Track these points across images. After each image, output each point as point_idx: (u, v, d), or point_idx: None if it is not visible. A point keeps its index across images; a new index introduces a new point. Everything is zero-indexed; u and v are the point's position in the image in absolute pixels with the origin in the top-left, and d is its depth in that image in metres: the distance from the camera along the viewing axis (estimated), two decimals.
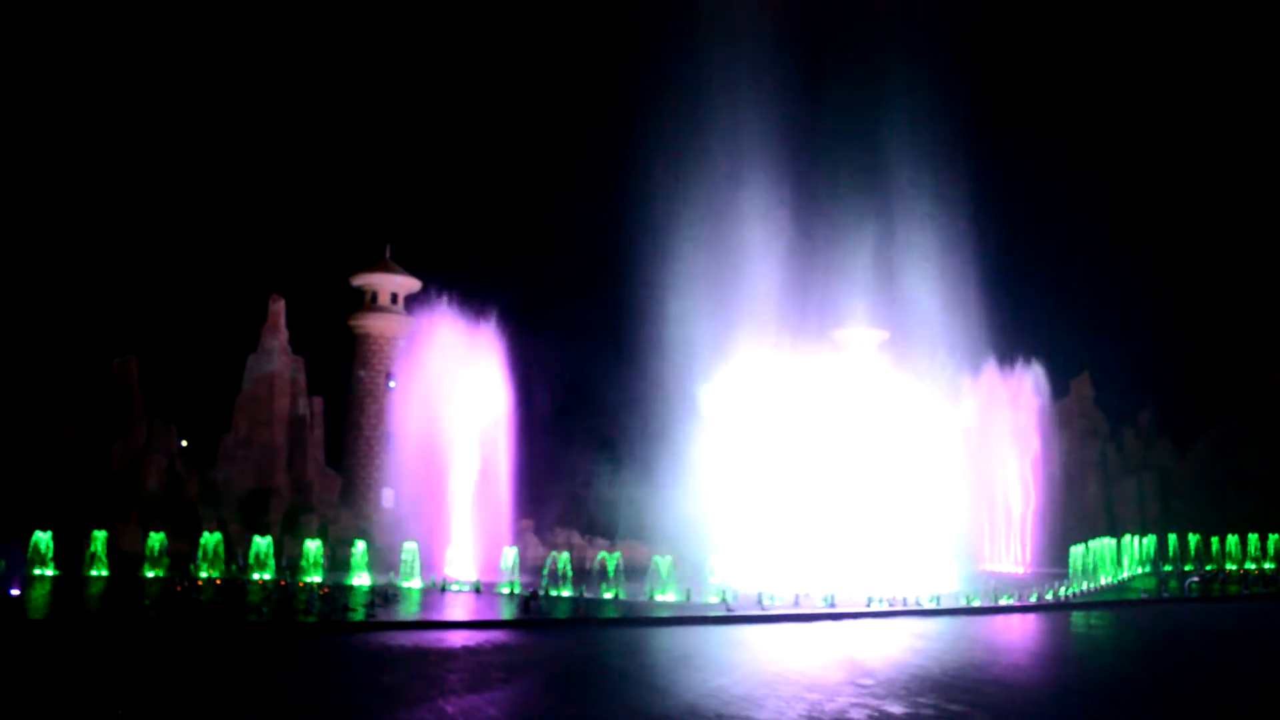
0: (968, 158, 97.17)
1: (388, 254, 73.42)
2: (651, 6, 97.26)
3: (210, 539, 50.70)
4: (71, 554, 50.06)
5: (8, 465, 56.67)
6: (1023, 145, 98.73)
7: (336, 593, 43.35)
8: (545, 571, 48.69)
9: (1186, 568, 69.56)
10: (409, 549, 50.89)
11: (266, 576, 49.76)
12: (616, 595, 45.95)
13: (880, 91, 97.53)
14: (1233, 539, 71.39)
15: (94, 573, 48.72)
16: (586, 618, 39.40)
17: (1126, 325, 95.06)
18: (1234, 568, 70.14)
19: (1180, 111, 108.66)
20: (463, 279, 74.43)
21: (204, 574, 49.44)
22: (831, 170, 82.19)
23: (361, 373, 72.62)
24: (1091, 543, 62.35)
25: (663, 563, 47.41)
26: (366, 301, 72.76)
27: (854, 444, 57.47)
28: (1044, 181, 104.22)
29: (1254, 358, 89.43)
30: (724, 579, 52.95)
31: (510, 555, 51.11)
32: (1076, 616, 46.42)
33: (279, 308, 68.03)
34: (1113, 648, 38.23)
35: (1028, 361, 73.92)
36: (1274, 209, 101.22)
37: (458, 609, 40.90)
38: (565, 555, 49.77)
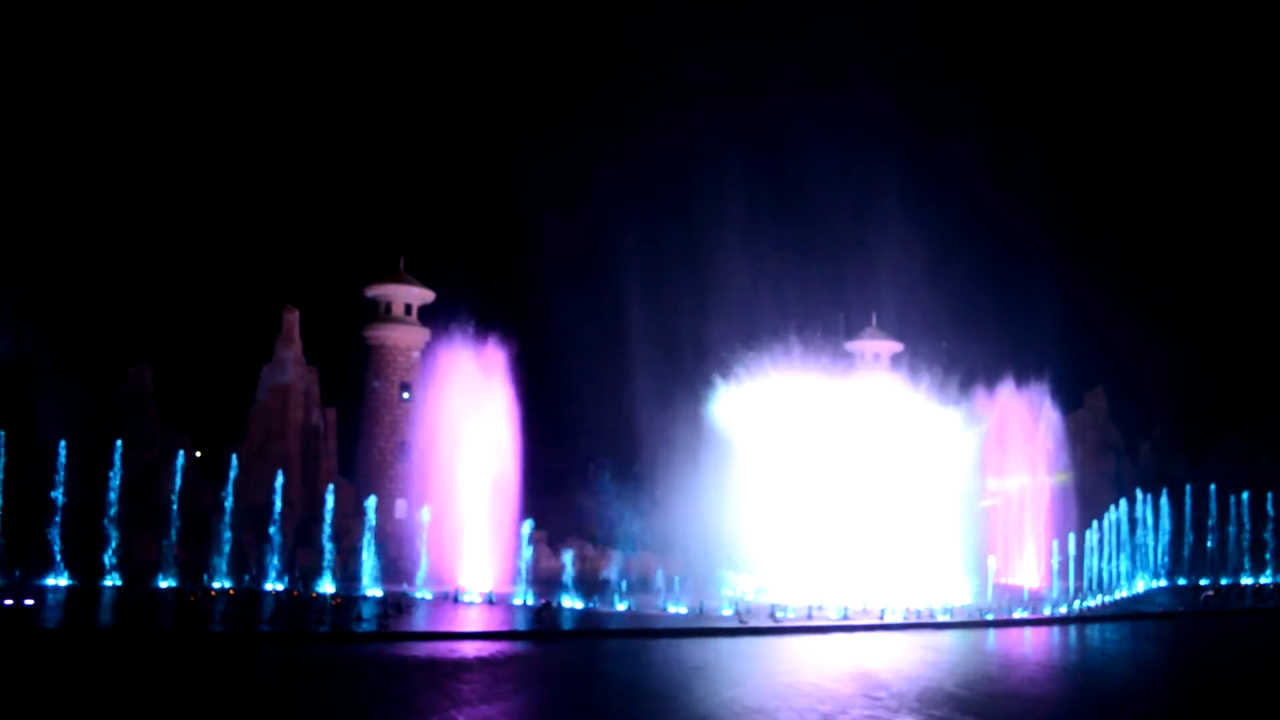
0: (982, 171, 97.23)
1: (402, 265, 73.47)
2: (667, 20, 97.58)
3: (223, 549, 50.80)
4: (85, 564, 50.18)
5: (22, 475, 56.85)
6: (1037, 159, 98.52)
7: (349, 603, 43.39)
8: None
9: (1202, 581, 69.19)
10: (422, 560, 50.92)
11: (279, 587, 49.83)
12: (629, 607, 45.89)
13: (895, 102, 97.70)
14: (1247, 553, 71.03)
15: (107, 582, 48.84)
16: (599, 629, 39.36)
17: (1141, 338, 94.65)
18: (1249, 581, 69.76)
19: (1193, 125, 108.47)
20: (476, 290, 74.66)
21: (217, 584, 49.52)
22: (846, 182, 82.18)
23: (375, 384, 72.58)
24: (1106, 557, 62.12)
25: (675, 574, 47.37)
26: (380, 312, 72.78)
27: (867, 457, 57.28)
28: (1057, 194, 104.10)
29: (1269, 370, 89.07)
30: (737, 590, 52.89)
31: (523, 566, 51.11)
32: (1091, 630, 46.22)
33: (293, 319, 68.14)
34: (1127, 662, 38.06)
35: (1042, 374, 73.67)
36: None
37: (470, 620, 40.90)
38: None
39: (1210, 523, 73.29)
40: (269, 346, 68.03)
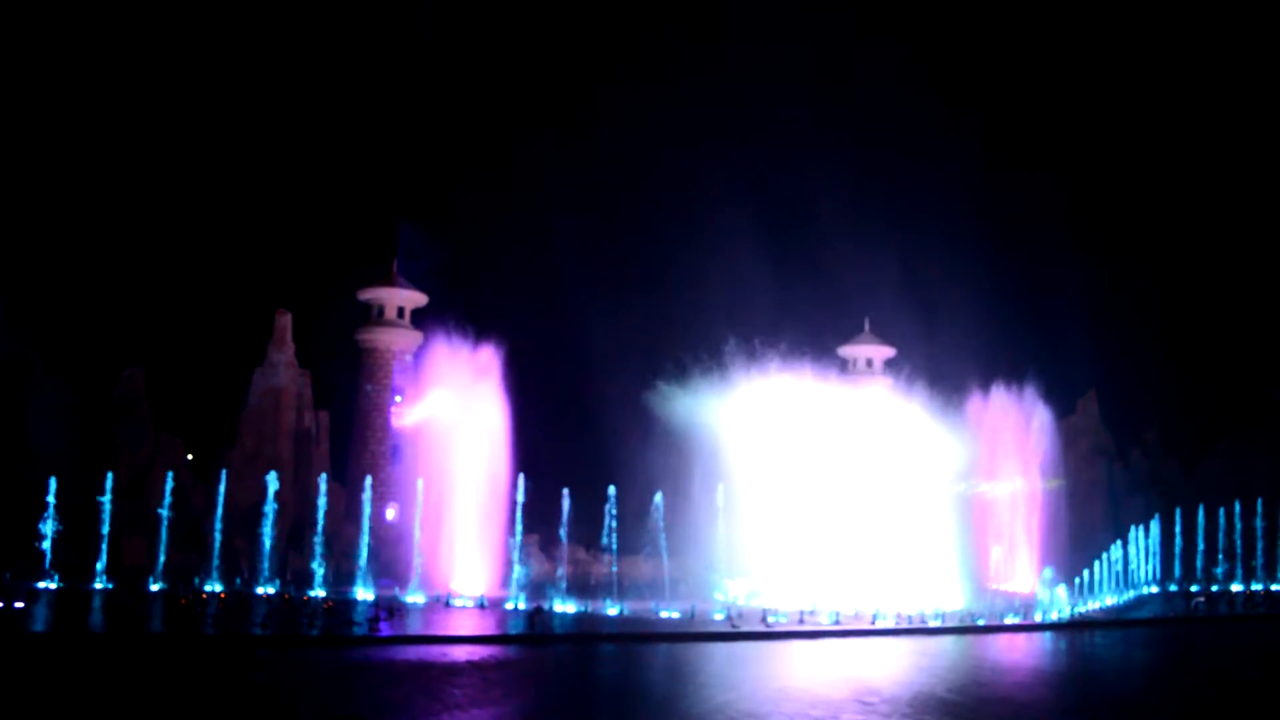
0: (976, 179, 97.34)
1: (395, 269, 73.48)
2: (664, 26, 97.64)
3: (215, 553, 50.71)
4: (76, 566, 50.03)
5: (13, 478, 56.72)
6: (1031, 167, 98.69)
7: (341, 607, 43.30)
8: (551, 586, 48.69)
9: (1193, 587, 69.24)
10: (414, 563, 50.84)
11: (271, 590, 49.72)
12: (621, 611, 45.86)
13: (890, 109, 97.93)
14: (1238, 559, 71.21)
15: (98, 585, 48.71)
16: (591, 633, 39.33)
17: (1133, 344, 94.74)
18: (1239, 587, 69.85)
19: (1185, 131, 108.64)
20: (469, 294, 74.59)
21: (208, 587, 49.40)
22: (843, 189, 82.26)
23: (368, 387, 72.47)
24: (1097, 562, 62.24)
25: (668, 579, 47.37)
26: (373, 316, 72.71)
27: (860, 462, 57.26)
28: (1051, 202, 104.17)
29: (1260, 377, 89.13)
30: (729, 595, 52.86)
31: (515, 570, 51.07)
32: (1083, 636, 46.27)
33: (285, 322, 68.04)
34: (1119, 667, 38.08)
35: (1035, 379, 73.72)
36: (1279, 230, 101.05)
37: (462, 624, 40.85)
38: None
39: (1201, 529, 73.33)
40: (261, 350, 67.89)
